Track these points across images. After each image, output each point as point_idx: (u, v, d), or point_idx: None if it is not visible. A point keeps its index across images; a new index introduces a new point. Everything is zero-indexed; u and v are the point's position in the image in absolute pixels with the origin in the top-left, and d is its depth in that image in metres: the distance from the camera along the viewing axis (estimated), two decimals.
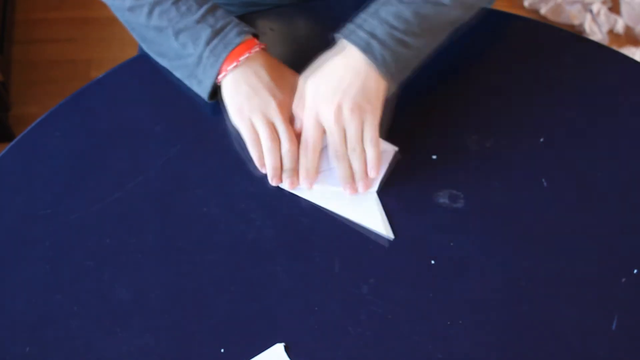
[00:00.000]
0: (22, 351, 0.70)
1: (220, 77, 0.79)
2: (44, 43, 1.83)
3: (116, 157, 0.81)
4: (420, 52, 0.80)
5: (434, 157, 0.81)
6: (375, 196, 0.78)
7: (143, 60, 0.86)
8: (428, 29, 0.78)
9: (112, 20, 1.76)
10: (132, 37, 0.84)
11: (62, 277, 0.74)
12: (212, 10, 0.80)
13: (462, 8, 0.81)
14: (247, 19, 0.91)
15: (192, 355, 0.70)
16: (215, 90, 0.81)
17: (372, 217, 0.77)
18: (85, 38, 1.81)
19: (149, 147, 0.81)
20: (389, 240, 0.76)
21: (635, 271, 0.75)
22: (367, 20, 0.78)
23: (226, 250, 0.76)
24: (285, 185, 0.79)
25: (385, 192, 0.79)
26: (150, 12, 0.80)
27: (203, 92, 0.81)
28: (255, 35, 0.81)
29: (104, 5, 0.85)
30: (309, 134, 0.78)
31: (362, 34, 0.77)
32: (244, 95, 0.78)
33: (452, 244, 0.76)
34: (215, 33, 0.79)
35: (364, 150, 0.77)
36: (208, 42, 0.78)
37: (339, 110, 0.75)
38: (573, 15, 1.89)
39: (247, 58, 0.78)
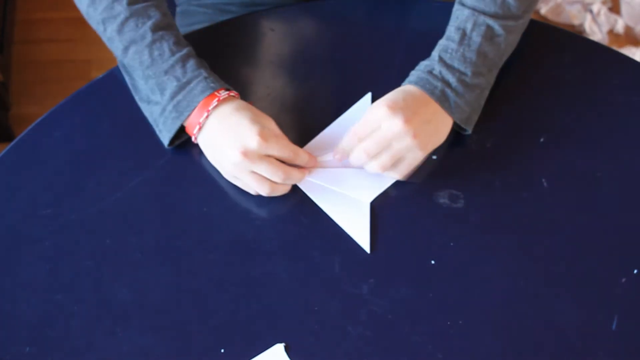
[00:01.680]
0: (22, 351, 0.70)
1: (193, 139, 0.78)
2: (44, 43, 1.83)
3: (116, 157, 0.81)
4: (487, 88, 0.81)
5: (434, 157, 0.81)
6: (368, 208, 0.78)
7: None
8: (491, 64, 0.80)
9: None
10: None
11: (62, 277, 0.74)
12: (184, 59, 0.77)
13: (513, 32, 0.82)
14: (248, 19, 0.91)
15: (192, 355, 0.70)
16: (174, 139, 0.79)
17: (357, 228, 0.76)
18: (85, 38, 1.81)
19: (149, 147, 0.81)
20: (389, 241, 0.76)
21: (635, 271, 0.75)
22: (434, 67, 0.78)
23: (226, 250, 0.76)
24: None
25: (386, 192, 0.79)
26: (125, 49, 0.78)
27: (163, 140, 0.79)
28: (226, 87, 0.78)
29: None
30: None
31: (436, 82, 0.77)
32: (216, 158, 0.77)
33: (452, 244, 0.76)
34: (181, 87, 0.76)
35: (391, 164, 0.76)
36: (172, 97, 0.76)
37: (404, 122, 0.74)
38: (573, 15, 1.89)
39: (207, 117, 0.75)
